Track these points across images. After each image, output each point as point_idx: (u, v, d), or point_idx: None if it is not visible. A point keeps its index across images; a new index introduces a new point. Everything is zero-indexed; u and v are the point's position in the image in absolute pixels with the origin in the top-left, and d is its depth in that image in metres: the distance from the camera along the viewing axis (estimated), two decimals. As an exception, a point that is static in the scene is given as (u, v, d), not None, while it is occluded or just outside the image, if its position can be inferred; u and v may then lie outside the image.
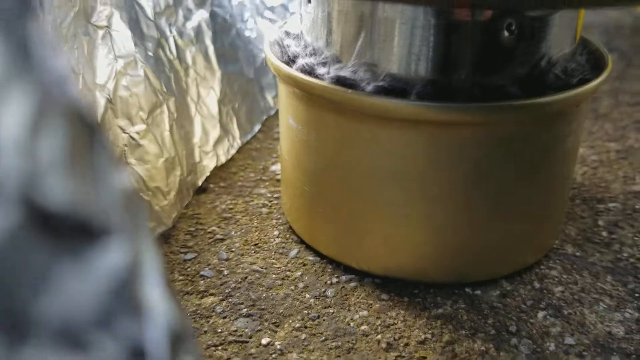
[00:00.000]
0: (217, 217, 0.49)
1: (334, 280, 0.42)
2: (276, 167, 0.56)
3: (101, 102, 0.42)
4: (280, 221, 0.49)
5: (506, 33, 0.34)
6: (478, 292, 0.41)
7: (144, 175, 0.44)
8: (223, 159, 0.55)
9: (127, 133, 0.44)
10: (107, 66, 0.44)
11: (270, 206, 0.50)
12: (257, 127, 0.62)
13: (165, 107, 0.48)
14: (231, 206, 0.50)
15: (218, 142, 0.55)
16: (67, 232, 0.11)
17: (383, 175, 0.38)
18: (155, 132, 0.46)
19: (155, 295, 0.13)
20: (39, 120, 0.11)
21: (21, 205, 0.10)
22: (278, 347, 0.37)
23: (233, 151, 0.57)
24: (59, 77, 0.12)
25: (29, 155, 0.11)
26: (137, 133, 0.45)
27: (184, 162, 0.49)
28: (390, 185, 0.38)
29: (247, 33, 0.63)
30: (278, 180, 0.54)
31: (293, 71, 0.38)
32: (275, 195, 0.52)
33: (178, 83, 0.51)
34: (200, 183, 0.52)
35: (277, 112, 0.65)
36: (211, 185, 0.53)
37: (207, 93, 0.55)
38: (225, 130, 0.56)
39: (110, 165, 0.13)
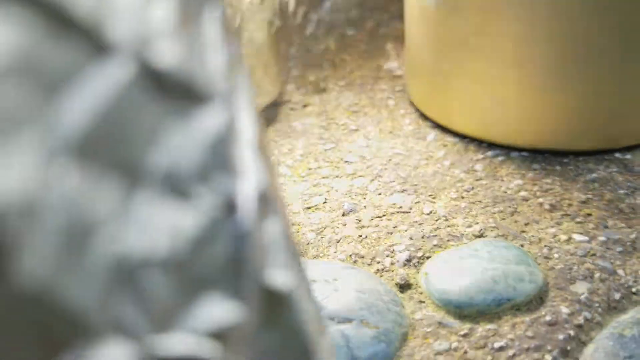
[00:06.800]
0: (346, 111, 0.49)
1: (480, 156, 0.42)
2: (390, 65, 0.56)
3: None
4: (409, 111, 0.49)
5: None
6: (628, 156, 0.41)
7: None
8: None
9: None
10: None
11: (395, 99, 0.50)
12: None
13: None
14: (356, 101, 0.51)
15: None
16: (173, 92, 0.12)
17: (535, 38, 0.37)
18: None
19: (248, 157, 0.14)
20: None
21: (135, 62, 0.11)
22: (441, 214, 0.37)
23: None
24: None
25: (142, 19, 0.12)
26: None
27: None
28: (544, 48, 0.37)
29: None
30: (395, 76, 0.54)
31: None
32: (397, 89, 0.52)
33: None
34: None
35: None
36: (330, 85, 0.53)
37: None
38: None
39: (220, 32, 0.14)
